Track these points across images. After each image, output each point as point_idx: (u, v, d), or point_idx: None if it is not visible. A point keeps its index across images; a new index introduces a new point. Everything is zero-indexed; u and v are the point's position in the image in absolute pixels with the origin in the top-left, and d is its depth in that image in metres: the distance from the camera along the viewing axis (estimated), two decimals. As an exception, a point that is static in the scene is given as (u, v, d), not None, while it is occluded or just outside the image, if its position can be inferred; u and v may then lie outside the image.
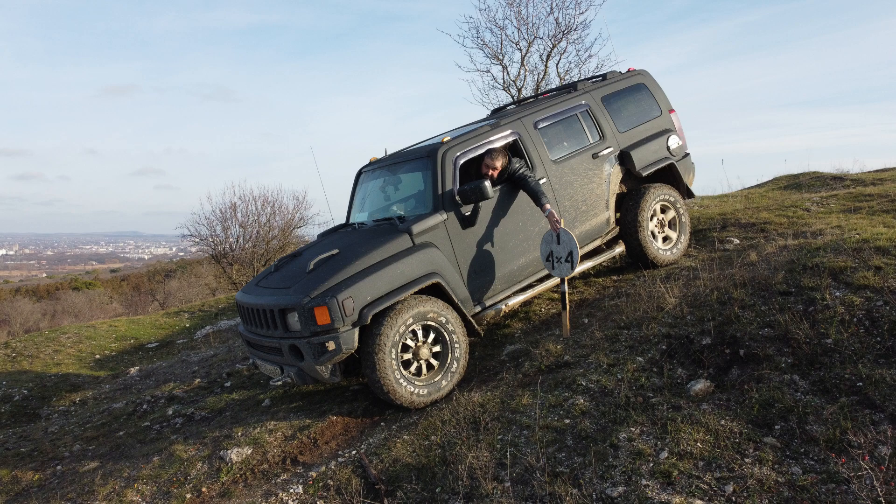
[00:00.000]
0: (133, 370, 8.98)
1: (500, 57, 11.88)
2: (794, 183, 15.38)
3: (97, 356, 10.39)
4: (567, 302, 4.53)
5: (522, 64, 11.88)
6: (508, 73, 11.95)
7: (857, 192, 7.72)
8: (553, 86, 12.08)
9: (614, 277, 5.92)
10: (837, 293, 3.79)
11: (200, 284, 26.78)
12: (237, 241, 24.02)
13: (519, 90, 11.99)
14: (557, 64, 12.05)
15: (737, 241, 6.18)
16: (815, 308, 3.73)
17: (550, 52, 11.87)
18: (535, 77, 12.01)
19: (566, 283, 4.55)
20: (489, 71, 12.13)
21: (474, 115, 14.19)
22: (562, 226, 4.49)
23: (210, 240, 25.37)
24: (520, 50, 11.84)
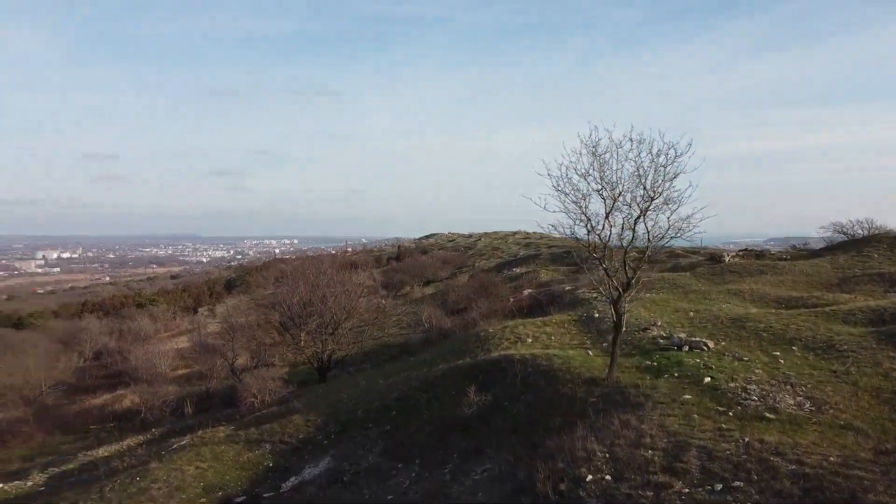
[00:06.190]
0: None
1: (584, 219, 11.64)
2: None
3: (189, 517, 10.95)
4: None
5: (607, 219, 11.59)
6: (596, 234, 11.69)
7: None
8: (643, 244, 11.84)
9: None
10: None
11: (271, 363, 28.00)
12: (307, 315, 24.96)
13: (605, 246, 11.74)
14: (645, 225, 11.72)
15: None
16: None
17: (638, 217, 11.60)
18: (621, 236, 11.78)
19: None
20: (573, 234, 11.93)
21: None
22: None
23: (278, 307, 26.43)
24: (604, 203, 11.55)
